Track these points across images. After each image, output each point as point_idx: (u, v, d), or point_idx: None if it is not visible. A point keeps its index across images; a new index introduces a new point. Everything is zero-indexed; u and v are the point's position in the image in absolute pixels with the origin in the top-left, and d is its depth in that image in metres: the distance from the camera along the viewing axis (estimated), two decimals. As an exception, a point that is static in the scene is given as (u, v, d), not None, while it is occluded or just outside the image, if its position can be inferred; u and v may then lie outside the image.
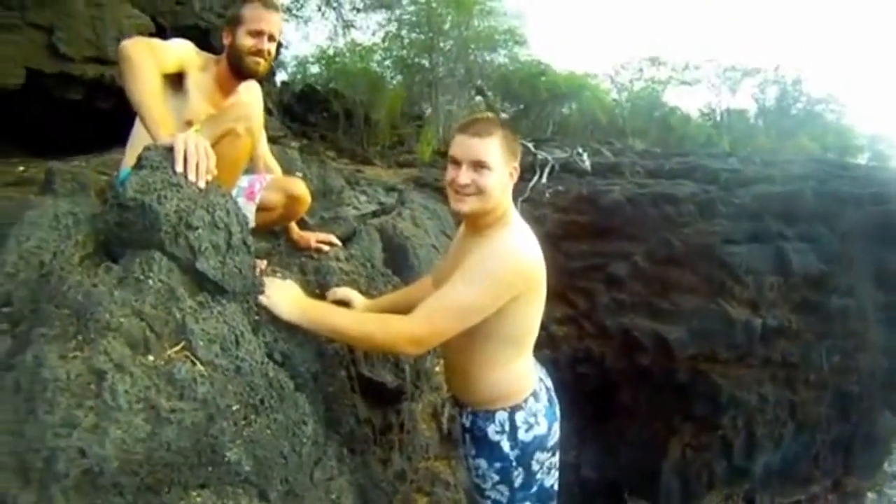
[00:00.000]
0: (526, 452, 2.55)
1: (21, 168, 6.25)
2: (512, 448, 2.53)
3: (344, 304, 2.78)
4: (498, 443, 2.53)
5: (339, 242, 3.52)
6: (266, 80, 12.97)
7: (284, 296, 2.28)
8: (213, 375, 1.81)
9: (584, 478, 9.43)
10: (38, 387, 1.54)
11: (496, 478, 2.57)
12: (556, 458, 2.69)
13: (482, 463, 2.58)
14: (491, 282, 2.26)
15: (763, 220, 10.05)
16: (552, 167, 11.80)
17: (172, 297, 1.87)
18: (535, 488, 2.61)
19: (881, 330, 10.31)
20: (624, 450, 9.64)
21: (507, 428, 2.52)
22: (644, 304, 9.87)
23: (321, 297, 2.85)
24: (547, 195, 10.95)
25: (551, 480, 2.68)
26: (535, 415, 2.55)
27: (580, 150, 12.51)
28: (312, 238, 3.44)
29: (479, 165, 2.35)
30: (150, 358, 1.74)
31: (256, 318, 2.16)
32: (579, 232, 10.61)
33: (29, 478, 1.48)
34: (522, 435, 2.53)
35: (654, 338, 9.50)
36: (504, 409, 2.52)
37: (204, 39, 2.82)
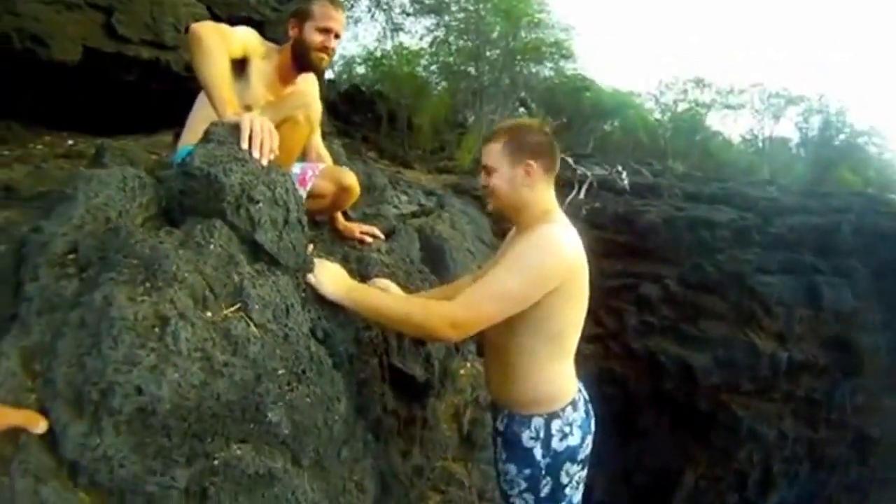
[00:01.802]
0: (557, 462, 2.53)
1: (70, 142, 6.39)
2: (543, 456, 2.51)
3: None
4: (530, 449, 2.51)
5: (382, 235, 3.58)
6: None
7: (331, 276, 2.34)
8: (265, 338, 1.89)
9: (595, 501, 9.40)
10: (104, 324, 1.62)
11: (524, 485, 2.56)
12: (584, 474, 2.67)
13: (511, 468, 2.57)
14: (530, 270, 2.29)
15: (798, 251, 10.01)
16: (590, 183, 11.81)
17: (232, 262, 1.94)
18: (559, 500, 2.60)
19: (909, 372, 10.19)
20: (638, 476, 9.62)
21: (541, 435, 2.50)
22: (672, 329, 9.85)
23: (362, 285, 2.89)
24: (584, 211, 10.97)
25: (577, 497, 2.67)
26: (570, 424, 2.53)
27: (620, 169, 12.51)
28: (357, 229, 3.50)
29: (487, 169, 2.50)
30: (209, 314, 1.82)
31: (303, 294, 2.22)
32: (614, 251, 10.64)
33: (83, 409, 1.55)
34: (556, 444, 2.51)
35: (679, 364, 9.49)
36: (541, 416, 2.51)
37: (258, 32, 2.93)
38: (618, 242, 10.63)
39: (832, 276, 9.90)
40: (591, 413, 2.68)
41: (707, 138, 25.10)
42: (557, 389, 2.55)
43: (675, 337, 9.77)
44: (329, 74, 21.01)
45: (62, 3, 6.44)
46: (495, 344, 2.60)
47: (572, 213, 10.67)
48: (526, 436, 2.51)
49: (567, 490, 2.60)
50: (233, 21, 7.03)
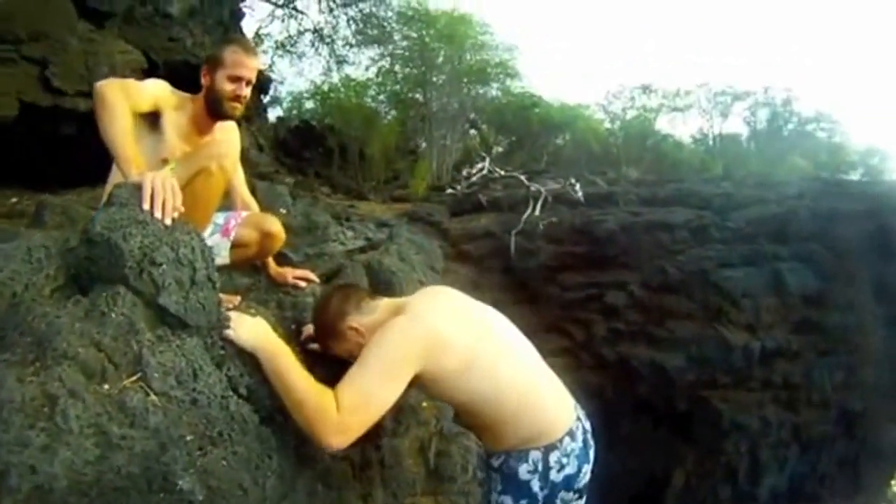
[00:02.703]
0: (553, 492, 2.55)
1: (14, 200, 6.31)
2: (541, 488, 2.52)
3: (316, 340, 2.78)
4: (528, 482, 2.52)
5: (316, 279, 3.52)
6: (258, 116, 13.12)
7: (249, 329, 2.29)
8: (167, 406, 1.85)
9: (588, 509, 9.33)
10: None
11: None
12: (582, 502, 2.69)
13: (507, 500, 2.59)
14: (385, 363, 2.30)
15: (758, 242, 10.07)
16: (545, 199, 11.82)
17: (132, 330, 1.90)
18: None
19: (883, 344, 10.26)
20: (627, 480, 9.55)
21: (539, 468, 2.50)
22: (641, 333, 9.85)
23: (297, 333, 2.86)
24: (541, 227, 10.96)
25: None
26: (568, 455, 2.53)
27: (573, 181, 12.54)
28: (290, 274, 3.45)
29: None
30: (106, 387, 1.78)
31: (222, 352, 2.18)
32: (574, 263, 10.65)
33: None
34: (553, 475, 2.52)
35: (652, 366, 9.49)
36: (538, 449, 2.51)
37: (195, 75, 2.90)
38: (577, 254, 10.62)
39: (794, 262, 9.96)
40: (591, 443, 2.67)
41: (658, 142, 25.37)
42: (547, 424, 2.55)
43: (645, 340, 9.75)
44: (278, 111, 21.08)
45: (-3, 59, 6.39)
46: (454, 407, 2.71)
47: (529, 230, 10.76)
48: (523, 469, 2.52)
49: None
50: (170, 65, 7.01)
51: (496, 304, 2.84)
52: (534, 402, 2.53)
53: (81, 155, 6.57)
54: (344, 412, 2.15)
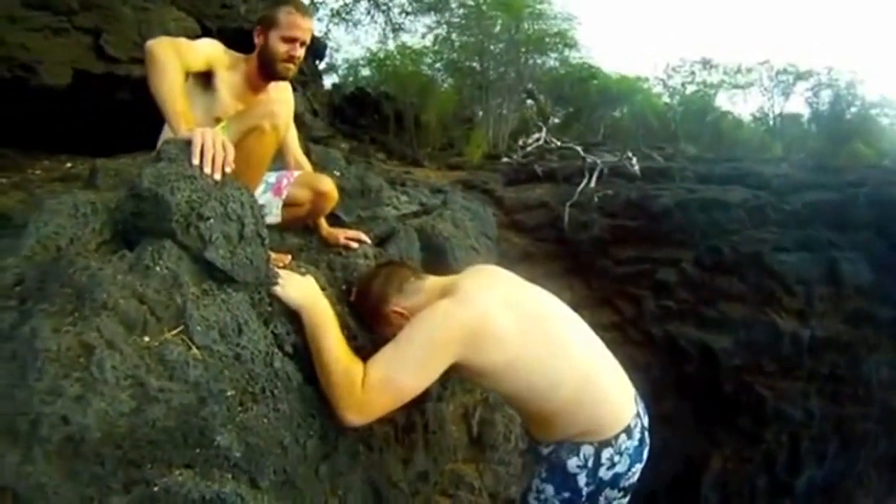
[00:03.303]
0: (599, 490, 2.41)
1: (69, 164, 6.39)
2: (588, 484, 2.39)
3: None
4: (575, 475, 2.39)
5: (367, 240, 3.49)
6: (313, 82, 13.13)
7: (298, 288, 2.28)
8: (209, 360, 1.84)
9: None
10: (30, 356, 1.61)
11: None
12: (626, 500, 2.56)
13: (549, 488, 2.44)
14: (423, 348, 2.22)
15: (814, 227, 9.85)
16: (601, 171, 11.74)
17: (175, 284, 1.90)
18: None
19: (935, 345, 10.02)
20: (664, 462, 9.51)
21: (589, 464, 2.37)
22: (691, 312, 9.74)
23: (348, 293, 2.83)
24: (595, 199, 10.90)
25: None
26: (621, 453, 2.39)
27: (630, 155, 12.41)
28: (342, 235, 3.43)
29: None
30: (146, 339, 1.78)
31: (269, 308, 2.18)
32: (628, 237, 10.55)
33: (17, 438, 1.54)
34: (602, 472, 2.38)
35: (699, 347, 9.37)
36: (592, 444, 2.37)
37: (250, 42, 2.91)
38: (631, 228, 10.50)
39: (850, 251, 9.70)
40: (647, 441, 2.53)
41: (717, 119, 24.98)
42: (603, 420, 2.41)
43: (694, 320, 9.64)
44: (333, 79, 21.10)
45: (49, 29, 6.47)
46: (503, 397, 2.56)
47: (584, 202, 10.69)
48: (573, 462, 2.39)
49: None
50: (224, 32, 7.04)
51: (548, 275, 2.81)
52: (590, 396, 2.39)
53: (136, 120, 6.70)
54: (367, 391, 2.11)
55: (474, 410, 4.08)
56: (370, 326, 2.59)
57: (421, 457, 3.19)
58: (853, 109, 26.52)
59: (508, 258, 7.92)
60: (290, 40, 2.95)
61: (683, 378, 9.39)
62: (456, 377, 2.58)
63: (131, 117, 6.79)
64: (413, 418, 3.11)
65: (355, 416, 2.13)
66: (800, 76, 26.43)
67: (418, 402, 3.17)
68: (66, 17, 6.57)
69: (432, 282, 2.55)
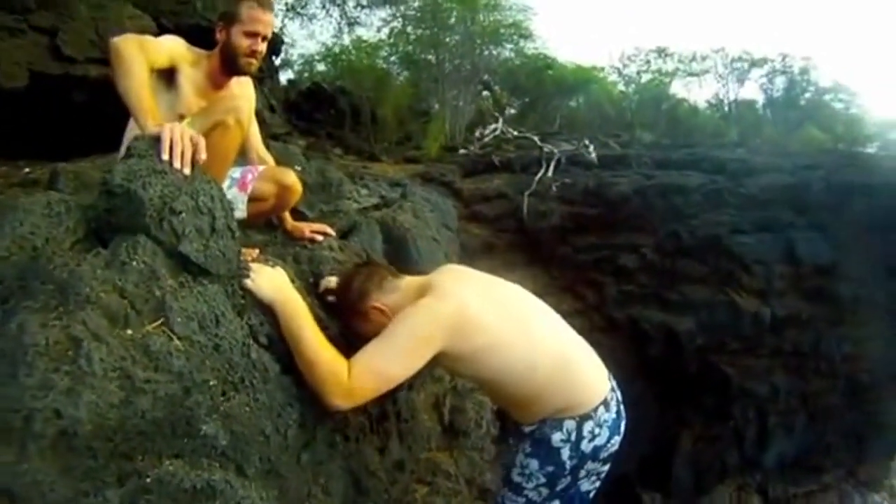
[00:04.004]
0: (581, 462, 2.54)
1: (27, 170, 6.28)
2: (570, 458, 2.51)
3: (334, 293, 2.80)
4: (559, 449, 2.50)
5: (332, 232, 3.53)
6: (269, 77, 13.05)
7: (269, 280, 2.31)
8: (190, 350, 1.86)
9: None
10: (19, 352, 1.60)
11: (542, 480, 2.56)
12: (606, 468, 2.68)
13: (533, 463, 2.56)
14: (408, 340, 2.32)
15: (771, 209, 9.99)
16: (559, 160, 11.80)
17: (153, 277, 1.92)
18: (571, 493, 2.62)
19: (892, 318, 10.22)
20: (635, 443, 9.58)
21: (573, 437, 2.49)
22: (653, 296, 9.85)
23: (314, 285, 2.88)
24: (554, 188, 10.98)
25: (589, 486, 2.68)
26: (601, 425, 2.52)
27: (587, 143, 12.48)
28: (306, 228, 3.46)
29: None
30: (129, 332, 1.79)
31: (242, 301, 2.21)
32: (587, 224, 10.64)
33: (10, 437, 1.53)
34: (584, 445, 2.50)
35: (663, 329, 9.49)
36: (573, 418, 2.49)
37: (206, 38, 2.90)
38: (590, 216, 10.59)
39: (808, 232, 9.88)
40: (623, 414, 2.66)
41: (673, 106, 25.13)
42: (582, 395, 2.53)
43: (656, 304, 9.75)
44: (289, 74, 20.95)
45: (4, 29, 6.37)
46: (481, 385, 2.70)
47: (542, 191, 10.73)
48: (557, 437, 2.50)
49: (582, 484, 2.63)
50: (181, 29, 6.98)
51: (509, 265, 2.86)
52: (567, 373, 2.52)
53: (93, 122, 6.60)
54: (353, 379, 2.19)
55: (444, 399, 4.12)
56: (347, 323, 2.65)
57: (396, 446, 3.24)
58: (807, 95, 26.89)
59: (469, 249, 7.95)
60: (252, 35, 2.97)
61: (648, 361, 9.49)
62: (438, 366, 2.64)
63: (87, 119, 6.71)
64: (386, 408, 3.16)
65: (343, 402, 2.22)
66: (754, 63, 26.69)
67: (390, 392, 3.19)
68: (23, 15, 6.49)
69: (408, 281, 2.64)
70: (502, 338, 2.42)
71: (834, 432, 10.27)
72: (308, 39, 31.97)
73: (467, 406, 4.28)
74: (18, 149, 6.60)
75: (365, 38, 19.23)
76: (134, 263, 1.90)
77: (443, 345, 2.33)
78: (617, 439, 2.61)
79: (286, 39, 19.23)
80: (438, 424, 4.02)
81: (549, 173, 11.46)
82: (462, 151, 13.86)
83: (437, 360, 2.42)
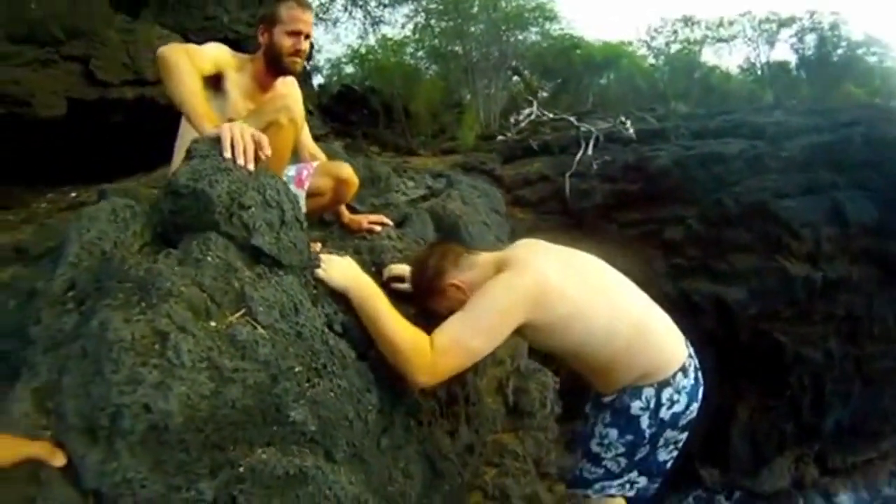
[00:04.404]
0: (660, 430, 2.55)
1: (73, 194, 6.41)
2: (650, 426, 2.52)
3: (399, 280, 2.82)
4: (638, 417, 2.51)
5: (390, 222, 3.55)
6: (303, 82, 13.13)
7: (339, 269, 2.34)
8: (275, 338, 1.88)
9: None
10: (104, 349, 1.62)
11: (621, 449, 2.58)
12: (684, 436, 2.67)
13: (613, 433, 2.58)
14: (491, 315, 2.33)
15: (814, 170, 9.87)
16: (596, 138, 11.77)
17: (231, 270, 1.94)
18: (650, 462, 2.63)
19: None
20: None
21: (651, 405, 2.50)
22: (701, 268, 9.79)
23: (378, 274, 2.88)
24: (594, 167, 10.96)
25: (666, 456, 2.68)
26: (679, 391, 2.52)
27: (623, 119, 12.42)
28: (364, 220, 3.48)
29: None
30: (213, 323, 1.82)
31: (315, 290, 2.23)
32: (630, 200, 10.63)
33: (96, 436, 1.56)
34: (663, 412, 2.51)
35: (714, 300, 9.43)
36: (651, 385, 2.50)
37: (235, 50, 2.99)
38: (632, 191, 10.58)
39: (851, 191, 9.75)
40: (701, 380, 2.65)
41: (705, 75, 24.80)
42: (661, 361, 2.53)
43: (705, 275, 9.69)
44: (318, 79, 21.02)
45: (38, 62, 6.51)
46: (561, 358, 2.67)
47: (583, 171, 10.71)
48: (636, 405, 2.51)
49: (661, 453, 2.64)
50: (209, 44, 7.06)
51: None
52: (646, 340, 2.52)
53: (133, 142, 6.73)
54: (437, 354, 2.21)
55: (508, 381, 4.12)
56: (423, 303, 2.65)
57: (465, 429, 3.23)
58: (839, 51, 26.27)
59: (517, 234, 7.92)
60: (295, 34, 3.00)
61: (702, 333, 9.35)
62: (521, 339, 2.66)
63: (126, 140, 6.84)
64: (454, 391, 3.14)
65: (427, 378, 2.25)
66: (783, 23, 26.18)
67: (459, 375, 3.23)
68: (54, 47, 6.62)
69: (485, 257, 2.64)
70: (582, 307, 2.43)
71: (891, 397, 10.10)
72: (333, 43, 32.12)
73: (530, 387, 4.29)
74: (62, 175, 6.75)
75: (390, 36, 19.30)
76: (209, 259, 1.92)
77: (525, 317, 2.34)
78: (695, 406, 2.59)
79: (313, 45, 19.34)
80: (503, 406, 4.03)
81: (589, 152, 11.45)
82: (500, 138, 13.86)
83: (520, 332, 2.44)
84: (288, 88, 3.18)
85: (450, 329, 2.28)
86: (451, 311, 2.41)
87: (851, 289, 9.48)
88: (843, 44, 26.40)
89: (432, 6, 18.34)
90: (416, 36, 19.05)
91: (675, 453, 2.71)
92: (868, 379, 9.82)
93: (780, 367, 9.39)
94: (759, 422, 9.73)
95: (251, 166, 2.16)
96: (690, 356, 2.63)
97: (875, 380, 9.88)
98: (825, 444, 10.10)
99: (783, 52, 28.13)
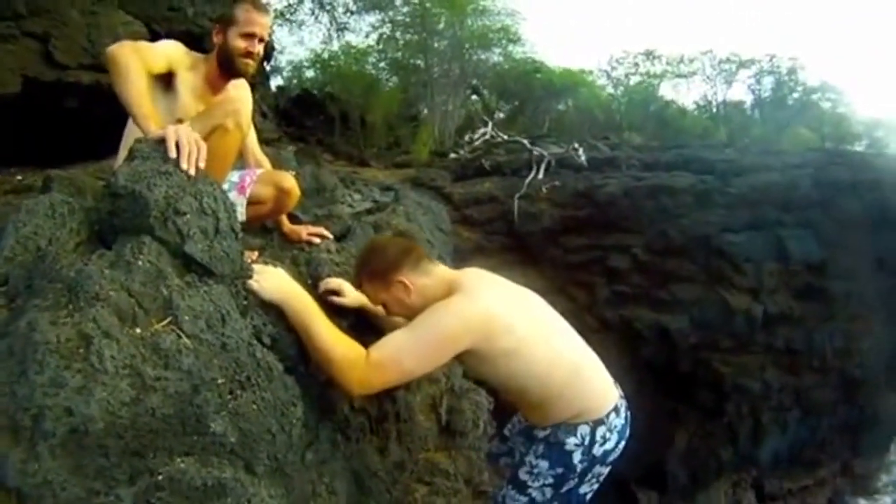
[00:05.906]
0: (591, 466, 2.58)
1: (19, 177, 6.27)
2: (581, 461, 2.54)
3: (335, 293, 2.80)
4: (571, 453, 2.54)
5: (330, 235, 3.54)
6: (261, 83, 13.04)
7: (272, 280, 2.33)
8: (199, 349, 1.86)
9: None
10: (29, 349, 1.60)
11: (550, 480, 2.59)
12: (606, 471, 2.71)
13: (544, 464, 2.59)
14: (432, 338, 2.35)
15: (761, 208, 10.05)
16: (548, 163, 11.85)
17: (160, 276, 1.92)
18: (572, 494, 2.65)
19: (883, 313, 10.31)
20: (630, 441, 9.61)
21: (586, 442, 2.52)
22: (644, 296, 9.92)
23: (314, 288, 2.86)
24: (544, 191, 11.03)
25: (588, 489, 2.71)
26: (612, 430, 2.56)
27: (576, 146, 12.54)
28: (304, 231, 3.47)
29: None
30: (138, 330, 1.80)
31: (245, 301, 2.21)
32: (577, 226, 10.70)
33: (19, 436, 1.53)
34: (596, 449, 2.54)
35: (655, 329, 9.55)
36: (587, 423, 2.53)
37: (197, 44, 2.92)
38: (580, 217, 10.66)
39: (797, 230, 9.98)
40: (629, 420, 2.70)
41: (661, 108, 25.25)
42: (595, 400, 2.57)
43: (648, 303, 9.83)
44: (278, 81, 20.94)
45: (-3, 35, 6.37)
46: (496, 390, 2.79)
47: (532, 194, 10.77)
48: (571, 441, 2.53)
49: (584, 486, 2.67)
50: (172, 35, 7.00)
51: (501, 267, 2.87)
52: (582, 379, 2.56)
53: (86, 128, 6.60)
54: (371, 368, 2.23)
55: (441, 400, 4.11)
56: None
57: (395, 446, 3.23)
58: (795, 95, 27.01)
59: (461, 253, 7.96)
60: (249, 36, 2.98)
61: (642, 360, 9.54)
62: (460, 364, 2.68)
63: (79, 126, 6.70)
64: (385, 407, 3.14)
65: (360, 389, 2.29)
66: (742, 64, 26.79)
67: (389, 391, 3.21)
68: (14, 22, 6.48)
69: (441, 271, 2.66)
70: (525, 344, 2.45)
71: (827, 427, 10.38)
72: (297, 46, 31.99)
73: (464, 406, 4.28)
74: (10, 156, 6.59)
75: (354, 43, 19.29)
76: (139, 263, 1.91)
77: (469, 345, 2.36)
78: (622, 444, 2.65)
79: (275, 46, 19.27)
80: (436, 425, 4.02)
81: (539, 176, 11.51)
82: (452, 156, 13.93)
83: (460, 358, 2.47)
84: (238, 91, 3.14)
85: (389, 345, 2.29)
86: (384, 305, 2.52)
87: (791, 322, 9.72)
88: (799, 88, 27.24)
89: (399, 18, 18.42)
90: (380, 46, 19.08)
91: (595, 486, 2.75)
92: (806, 409, 10.06)
93: (718, 396, 9.55)
94: (697, 447, 9.88)
95: (192, 171, 2.14)
96: (622, 396, 2.69)
97: (813, 410, 10.13)
98: (762, 471, 10.31)
99: (740, 92, 28.85)
